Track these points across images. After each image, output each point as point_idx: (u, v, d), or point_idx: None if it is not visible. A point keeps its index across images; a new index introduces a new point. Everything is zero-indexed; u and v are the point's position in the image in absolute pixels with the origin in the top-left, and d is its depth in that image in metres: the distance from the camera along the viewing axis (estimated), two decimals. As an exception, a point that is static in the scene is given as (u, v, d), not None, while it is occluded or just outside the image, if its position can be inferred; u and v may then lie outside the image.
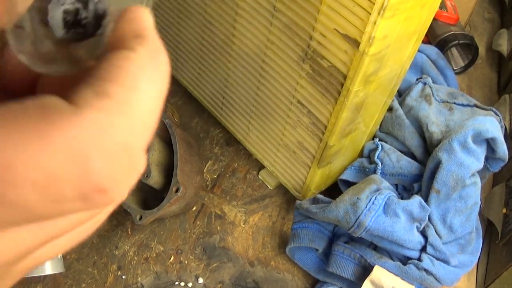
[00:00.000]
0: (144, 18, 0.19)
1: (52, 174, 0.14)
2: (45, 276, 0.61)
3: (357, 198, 0.57)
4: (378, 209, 0.56)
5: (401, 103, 0.70)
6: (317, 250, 0.63)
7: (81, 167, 0.14)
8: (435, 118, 0.66)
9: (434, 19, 0.86)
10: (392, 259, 0.59)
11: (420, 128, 0.67)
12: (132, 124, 0.16)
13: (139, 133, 0.16)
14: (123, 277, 0.63)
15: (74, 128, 0.14)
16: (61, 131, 0.14)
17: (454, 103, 0.68)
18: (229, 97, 0.69)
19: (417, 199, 0.58)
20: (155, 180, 0.63)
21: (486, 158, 0.63)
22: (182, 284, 0.62)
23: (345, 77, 0.49)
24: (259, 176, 0.73)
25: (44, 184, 0.14)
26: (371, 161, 0.66)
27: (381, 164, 0.64)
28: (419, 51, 0.70)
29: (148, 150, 0.63)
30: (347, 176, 0.67)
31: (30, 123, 0.14)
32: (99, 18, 0.19)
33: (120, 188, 0.15)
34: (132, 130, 0.16)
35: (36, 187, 0.14)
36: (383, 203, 0.56)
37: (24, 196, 0.14)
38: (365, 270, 0.59)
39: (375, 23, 0.43)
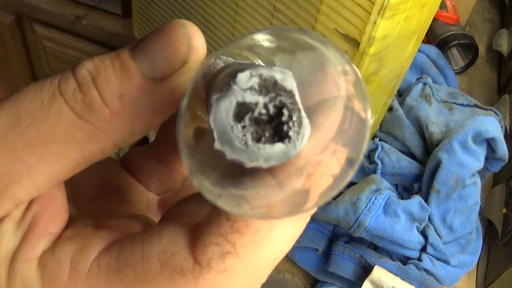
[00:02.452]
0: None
1: None
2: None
3: (357, 198, 0.57)
4: (378, 209, 0.56)
5: (401, 103, 0.70)
6: (317, 250, 0.63)
7: None
8: (435, 118, 0.66)
9: (434, 19, 0.86)
10: (392, 259, 0.59)
11: (420, 128, 0.67)
12: (254, 276, 0.16)
13: (260, 280, 0.16)
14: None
15: None
16: None
17: (454, 103, 0.68)
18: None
19: (417, 199, 0.58)
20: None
21: (486, 158, 0.63)
22: (182, 284, 0.62)
23: (345, 77, 0.49)
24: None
25: None
26: (371, 161, 0.66)
27: (381, 164, 0.64)
28: (419, 51, 0.70)
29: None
30: (347, 176, 0.66)
31: (161, 286, 0.16)
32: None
33: None
34: (253, 282, 0.16)
35: None
36: (383, 203, 0.56)
37: None
38: (365, 270, 0.59)
39: (375, 23, 0.43)
